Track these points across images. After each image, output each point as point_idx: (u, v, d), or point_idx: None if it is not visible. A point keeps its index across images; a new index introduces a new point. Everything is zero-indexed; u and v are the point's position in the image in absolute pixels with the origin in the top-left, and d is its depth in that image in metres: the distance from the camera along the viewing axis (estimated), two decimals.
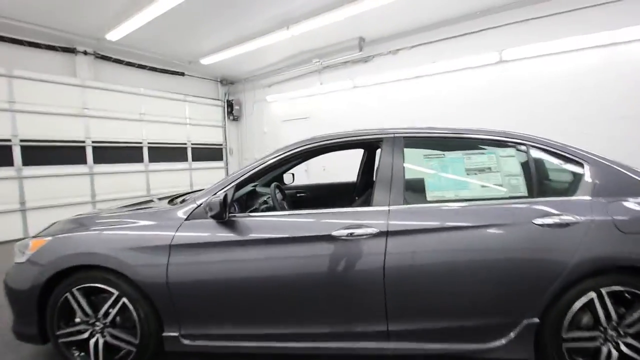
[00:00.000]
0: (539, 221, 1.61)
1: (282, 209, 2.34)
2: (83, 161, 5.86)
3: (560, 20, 4.30)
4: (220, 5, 4.51)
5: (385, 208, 1.69)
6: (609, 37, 4.02)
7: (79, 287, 1.77)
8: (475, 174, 1.75)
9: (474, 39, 4.95)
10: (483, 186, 1.74)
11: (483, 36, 4.88)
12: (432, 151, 1.85)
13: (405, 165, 1.77)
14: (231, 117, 8.29)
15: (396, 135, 1.85)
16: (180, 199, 2.19)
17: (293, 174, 3.54)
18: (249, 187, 2.58)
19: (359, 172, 3.37)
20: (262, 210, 2.23)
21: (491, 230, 1.62)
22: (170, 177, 7.09)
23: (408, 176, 1.76)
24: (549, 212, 1.63)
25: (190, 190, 2.71)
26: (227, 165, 8.29)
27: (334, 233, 1.65)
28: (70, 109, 5.69)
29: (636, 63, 3.88)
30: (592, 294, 1.59)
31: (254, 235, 1.71)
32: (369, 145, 3.03)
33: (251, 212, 2.30)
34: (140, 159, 6.61)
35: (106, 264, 1.71)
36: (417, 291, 1.63)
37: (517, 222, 1.63)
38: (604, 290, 1.59)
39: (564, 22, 4.28)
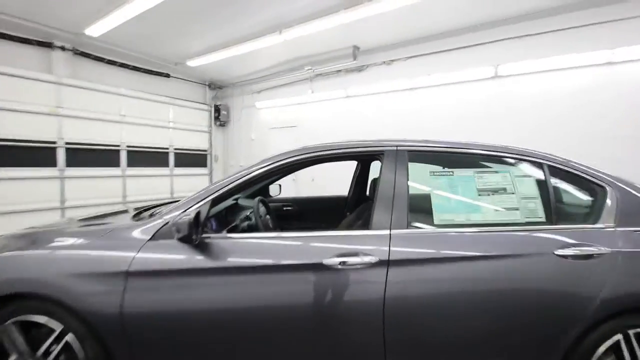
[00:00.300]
0: (560, 252, 1.41)
1: (266, 227, 2.07)
2: (53, 163, 5.43)
3: (557, 37, 4.25)
4: (210, 5, 4.28)
5: (386, 232, 1.46)
6: (606, 56, 3.97)
7: (15, 320, 1.45)
8: (488, 194, 1.54)
9: (470, 53, 4.87)
10: (497, 210, 1.53)
11: (479, 50, 4.79)
12: (439, 168, 1.64)
13: (409, 183, 1.55)
14: (218, 123, 7.99)
15: (399, 147, 1.63)
16: (151, 211, 1.90)
17: (280, 185, 3.28)
18: (229, 201, 2.31)
19: (351, 186, 3.14)
20: (244, 228, 1.96)
21: (508, 262, 1.40)
22: (150, 183, 6.69)
23: (412, 195, 1.53)
24: (571, 241, 1.43)
25: (167, 200, 2.41)
26: (211, 172, 7.95)
27: (326, 261, 1.39)
28: (43, 107, 5.28)
29: (634, 83, 3.83)
30: (619, 336, 1.40)
31: (231, 262, 1.44)
32: (363, 157, 2.81)
33: (230, 229, 2.03)
34: (117, 163, 6.21)
35: (48, 293, 1.41)
36: (421, 332, 1.39)
37: (536, 252, 1.42)
38: (631, 332, 1.39)
39: (560, 39, 4.23)
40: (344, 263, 1.38)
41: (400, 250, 1.41)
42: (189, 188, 6.74)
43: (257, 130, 7.72)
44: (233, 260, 1.44)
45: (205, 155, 7.91)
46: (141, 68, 6.61)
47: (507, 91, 4.69)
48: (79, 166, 5.70)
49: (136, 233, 1.50)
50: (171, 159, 7.12)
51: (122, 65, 6.34)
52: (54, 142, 5.43)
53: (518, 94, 4.60)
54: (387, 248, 1.41)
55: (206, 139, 7.89)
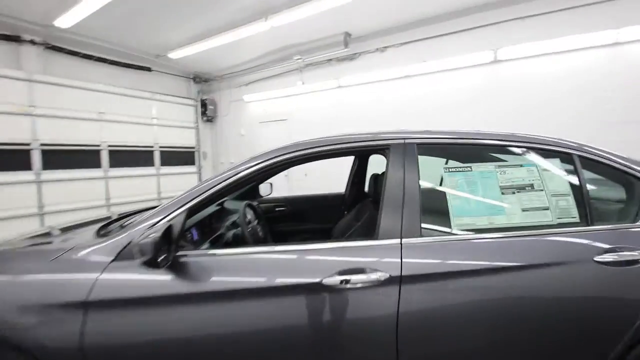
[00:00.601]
0: (599, 258, 1.20)
1: (255, 236, 1.82)
2: (28, 167, 5.07)
3: (559, 17, 4.03)
4: None
5: (396, 242, 1.22)
6: (612, 36, 3.76)
7: None
8: (513, 192, 1.32)
9: (467, 37, 4.62)
10: (524, 210, 1.30)
11: (477, 34, 4.55)
12: (455, 163, 1.40)
13: (421, 182, 1.31)
14: (205, 118, 7.65)
15: (407, 140, 1.38)
16: (125, 221, 1.64)
17: (271, 184, 3.02)
18: (212, 208, 2.05)
19: (348, 182, 2.91)
20: (229, 240, 1.71)
21: (542, 273, 1.19)
22: (135, 184, 6.36)
23: (425, 196, 1.30)
24: (610, 246, 1.22)
25: (149, 206, 2.12)
26: (200, 170, 7.62)
27: (326, 280, 1.16)
28: (13, 106, 4.90)
29: None
30: None
31: (211, 285, 1.19)
32: (365, 153, 2.57)
33: (215, 239, 1.78)
34: (98, 164, 5.86)
35: None
36: None
37: (573, 260, 1.21)
38: None
39: (562, 19, 4.01)
40: (347, 282, 1.15)
41: (414, 263, 1.18)
42: (177, 188, 6.40)
43: (246, 124, 7.41)
44: (213, 284, 1.19)
45: (193, 152, 7.57)
46: (120, 62, 6.22)
47: (507, 76, 4.47)
48: (56, 168, 5.34)
49: (95, 253, 1.24)
50: (157, 157, 6.77)
51: (99, 59, 5.95)
52: (28, 144, 5.06)
53: (519, 79, 4.38)
54: (398, 260, 1.18)
55: (193, 136, 7.55)
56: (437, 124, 2.60)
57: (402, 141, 1.38)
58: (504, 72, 4.48)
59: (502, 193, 1.31)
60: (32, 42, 5.18)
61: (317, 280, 1.16)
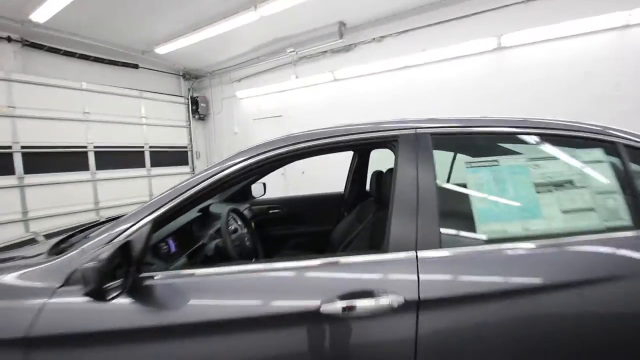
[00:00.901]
0: None
1: (241, 247, 1.58)
2: (10, 171, 4.81)
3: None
4: None
5: (411, 255, 0.99)
6: (624, 18, 3.53)
7: None
8: (550, 191, 1.08)
9: (469, 23, 4.37)
10: (565, 212, 1.07)
11: (479, 20, 4.30)
12: (479, 156, 1.17)
13: (438, 181, 1.08)
14: (197, 116, 7.37)
15: (419, 130, 1.14)
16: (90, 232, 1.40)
17: (264, 184, 2.78)
18: (193, 213, 1.80)
19: (347, 181, 2.67)
20: (210, 253, 1.47)
21: (594, 291, 0.95)
22: (125, 186, 6.10)
23: (443, 198, 1.06)
24: None
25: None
26: (193, 170, 7.37)
27: (325, 308, 0.92)
28: None
29: None
30: None
31: (182, 315, 0.95)
32: (369, 147, 2.33)
33: (194, 252, 1.54)
34: (85, 166, 5.60)
35: None
36: None
37: (630, 273, 0.98)
38: None
39: (571, 1, 3.77)
40: (351, 309, 0.92)
41: (434, 282, 0.95)
42: None
43: (239, 122, 7.14)
44: (183, 314, 0.95)
45: (186, 152, 7.31)
46: (104, 59, 5.93)
47: (512, 64, 4.23)
48: (40, 172, 5.08)
49: (40, 276, 1.01)
50: (147, 158, 6.51)
51: (82, 56, 5.66)
52: (8, 147, 4.80)
53: (525, 66, 4.14)
54: (414, 279, 0.95)
55: (185, 135, 7.28)
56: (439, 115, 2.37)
57: (412, 131, 1.14)
58: (508, 59, 4.24)
59: (538, 192, 1.08)
60: (9, 39, 4.89)
61: (313, 307, 0.92)
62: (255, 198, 2.70)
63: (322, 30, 5.11)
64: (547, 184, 1.08)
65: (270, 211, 2.66)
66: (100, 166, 5.77)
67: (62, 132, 5.34)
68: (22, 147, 4.90)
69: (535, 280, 0.95)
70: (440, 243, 1.00)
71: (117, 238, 1.00)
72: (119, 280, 0.90)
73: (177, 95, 7.20)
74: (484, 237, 1.03)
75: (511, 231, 1.03)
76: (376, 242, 1.27)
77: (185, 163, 7.30)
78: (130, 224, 1.03)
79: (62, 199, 5.31)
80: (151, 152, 6.55)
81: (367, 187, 2.50)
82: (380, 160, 2.19)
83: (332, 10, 4.61)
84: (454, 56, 4.54)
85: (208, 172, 1.13)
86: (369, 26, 5.08)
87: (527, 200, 1.07)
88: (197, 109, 7.25)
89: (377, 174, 2.02)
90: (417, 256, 0.98)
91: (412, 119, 1.19)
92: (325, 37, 5.21)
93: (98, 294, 0.85)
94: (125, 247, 0.94)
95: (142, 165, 6.45)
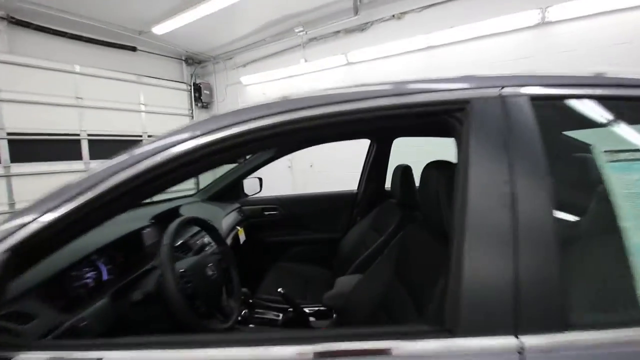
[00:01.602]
0: None
1: (198, 289, 1.06)
2: None
3: None
4: None
5: (508, 342, 0.47)
6: None
7: None
8: None
9: None
10: None
11: None
12: (622, 142, 0.63)
13: (552, 185, 0.55)
14: (200, 104, 6.93)
15: (507, 91, 0.62)
16: None
17: (260, 179, 2.28)
18: (141, 222, 1.32)
19: (362, 176, 2.15)
20: (141, 296, 0.96)
21: None
22: None
23: (568, 225, 0.54)
24: None
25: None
26: None
27: None
28: None
29: None
30: None
31: None
32: (384, 131, 1.81)
33: (130, 285, 1.05)
34: (78, 156, 5.23)
35: None
36: None
37: None
38: None
39: None
40: None
41: None
42: None
43: None
44: None
45: None
46: (99, 40, 5.51)
47: (556, 43, 3.60)
48: (28, 161, 4.74)
49: None
50: None
51: (74, 36, 5.25)
52: None
53: (571, 44, 3.51)
54: None
55: (187, 123, 6.86)
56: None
57: (496, 92, 0.61)
58: (552, 36, 3.61)
59: None
60: None
61: None
62: (248, 196, 2.21)
63: (335, 5, 4.55)
64: None
65: (266, 213, 2.17)
66: (94, 156, 5.40)
67: (53, 119, 4.96)
68: (8, 134, 4.54)
69: None
70: (567, 317, 0.48)
71: None
72: None
73: (179, 82, 6.76)
74: None
75: None
76: (408, 272, 0.77)
77: None
78: None
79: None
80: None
81: (387, 185, 1.98)
82: (402, 154, 1.67)
83: None
84: (488, 33, 3.94)
85: (153, 146, 0.65)
86: (388, 1, 4.50)
87: None
88: (200, 96, 6.81)
89: (404, 170, 1.51)
90: (521, 347, 0.46)
91: (494, 74, 0.66)
92: (337, 15, 4.66)
93: None
94: None
95: None
